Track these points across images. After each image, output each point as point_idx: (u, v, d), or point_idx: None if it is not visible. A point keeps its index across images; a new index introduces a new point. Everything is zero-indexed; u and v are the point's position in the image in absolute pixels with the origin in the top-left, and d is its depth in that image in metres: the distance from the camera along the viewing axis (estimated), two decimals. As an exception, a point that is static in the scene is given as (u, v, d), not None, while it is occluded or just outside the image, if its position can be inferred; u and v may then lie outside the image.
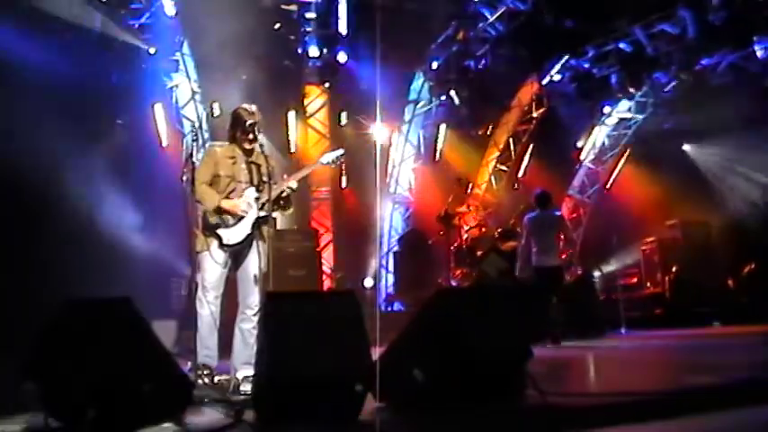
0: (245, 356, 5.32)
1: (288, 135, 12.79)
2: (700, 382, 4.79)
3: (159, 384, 3.85)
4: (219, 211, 5.42)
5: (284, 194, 5.57)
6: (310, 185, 13.51)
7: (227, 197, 5.46)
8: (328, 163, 5.88)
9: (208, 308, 5.37)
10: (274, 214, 5.56)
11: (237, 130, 5.56)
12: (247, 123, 5.49)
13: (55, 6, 9.53)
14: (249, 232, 5.46)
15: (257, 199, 5.50)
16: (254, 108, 5.60)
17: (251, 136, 5.51)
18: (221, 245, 5.42)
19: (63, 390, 3.67)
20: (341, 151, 5.92)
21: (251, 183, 5.54)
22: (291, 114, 12.84)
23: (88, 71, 10.03)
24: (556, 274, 9.84)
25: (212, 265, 5.40)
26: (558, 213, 10.40)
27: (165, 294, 10.37)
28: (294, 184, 5.63)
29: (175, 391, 4.02)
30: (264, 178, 5.51)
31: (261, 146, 5.53)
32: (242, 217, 5.44)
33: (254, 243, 5.48)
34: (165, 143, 11.57)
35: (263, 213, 5.48)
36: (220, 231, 5.41)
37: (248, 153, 5.60)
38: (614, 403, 4.05)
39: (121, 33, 10.72)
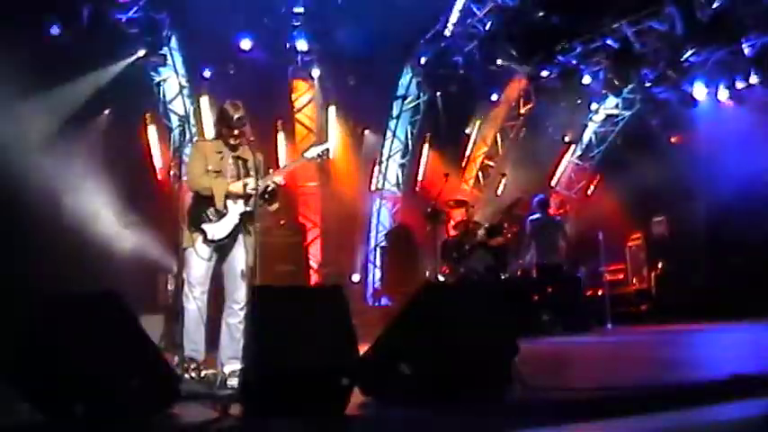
0: (232, 351, 5.33)
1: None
2: (684, 378, 4.83)
3: (146, 379, 3.84)
4: (228, 196, 5.42)
5: (270, 189, 5.56)
6: (297, 180, 13.46)
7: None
8: (314, 158, 5.87)
9: (194, 303, 5.37)
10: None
11: (223, 125, 5.55)
12: (233, 118, 5.48)
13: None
14: (234, 227, 5.45)
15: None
16: (239, 103, 5.59)
17: (237, 131, 5.50)
18: (206, 240, 5.41)
19: (50, 385, 3.65)
20: (326, 146, 5.93)
21: (237, 178, 5.53)
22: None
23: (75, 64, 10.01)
24: (556, 272, 11.15)
25: (198, 261, 5.39)
26: (559, 218, 11.83)
27: (151, 289, 10.35)
28: (280, 179, 5.63)
29: (162, 385, 4.02)
30: (251, 173, 5.51)
31: (251, 140, 5.54)
32: (226, 213, 5.44)
33: (241, 238, 5.49)
34: (152, 138, 11.59)
35: (248, 208, 5.48)
36: (205, 227, 5.40)
37: (234, 148, 5.59)
38: (600, 398, 4.07)
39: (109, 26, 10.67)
